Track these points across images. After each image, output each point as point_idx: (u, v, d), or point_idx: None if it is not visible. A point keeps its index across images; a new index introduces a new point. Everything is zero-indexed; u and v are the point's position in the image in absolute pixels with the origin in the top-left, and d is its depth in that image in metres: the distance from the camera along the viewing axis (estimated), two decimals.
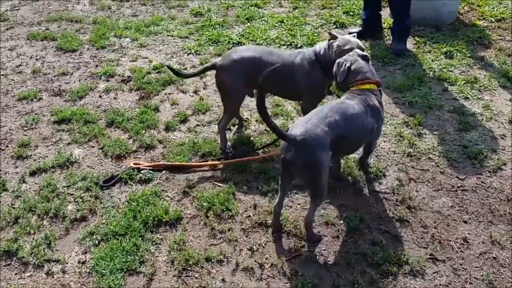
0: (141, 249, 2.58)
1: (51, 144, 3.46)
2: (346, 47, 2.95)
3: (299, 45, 4.72)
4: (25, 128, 3.64)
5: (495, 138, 3.48)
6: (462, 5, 5.42)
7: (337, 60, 2.86)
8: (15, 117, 3.77)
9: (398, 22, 4.60)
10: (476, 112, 3.77)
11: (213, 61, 3.28)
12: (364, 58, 2.85)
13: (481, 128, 3.58)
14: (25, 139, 3.48)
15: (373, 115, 2.71)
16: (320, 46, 3.10)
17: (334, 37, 3.05)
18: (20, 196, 2.98)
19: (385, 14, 5.01)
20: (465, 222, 2.81)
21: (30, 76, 4.33)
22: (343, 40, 3.02)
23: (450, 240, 2.69)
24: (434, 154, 3.33)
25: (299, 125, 2.51)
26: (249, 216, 2.82)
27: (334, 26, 5.13)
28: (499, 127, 3.60)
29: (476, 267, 2.54)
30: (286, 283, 2.44)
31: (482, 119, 3.68)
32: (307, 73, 3.07)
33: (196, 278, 2.46)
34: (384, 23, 5.00)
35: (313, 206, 2.60)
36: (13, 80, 4.26)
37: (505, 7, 5.46)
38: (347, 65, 2.79)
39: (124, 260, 2.51)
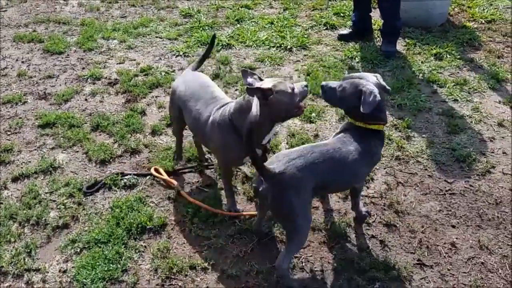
0: (124, 257, 2.53)
1: (35, 149, 3.40)
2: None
3: (289, 47, 4.68)
4: (9, 133, 3.57)
5: (484, 141, 3.46)
6: (453, 7, 5.41)
7: (363, 88, 2.36)
8: None
9: (388, 23, 4.58)
10: (465, 114, 3.75)
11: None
12: (386, 91, 2.49)
13: (470, 131, 3.56)
14: (8, 144, 3.42)
15: (368, 163, 2.49)
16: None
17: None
18: (1, 203, 2.92)
19: (375, 15, 4.98)
20: (453, 226, 2.78)
21: (15, 79, 4.27)
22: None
23: (438, 245, 2.66)
24: (423, 157, 3.30)
25: (282, 159, 2.27)
26: (235, 222, 2.78)
27: (324, 28, 5.10)
28: (488, 130, 3.58)
29: (464, 272, 2.51)
30: None
31: (471, 122, 3.66)
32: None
33: (180, 286, 2.41)
34: (374, 25, 4.97)
35: (286, 251, 2.33)
36: None
37: (495, 8, 5.45)
38: (378, 98, 2.34)
39: (106, 268, 2.46)
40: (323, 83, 2.56)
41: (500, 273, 2.51)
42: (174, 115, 3.02)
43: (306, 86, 2.53)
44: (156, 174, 3.05)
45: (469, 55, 4.57)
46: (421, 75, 4.26)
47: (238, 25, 5.18)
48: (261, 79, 2.53)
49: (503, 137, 3.50)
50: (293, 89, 2.44)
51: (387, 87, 2.50)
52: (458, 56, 4.53)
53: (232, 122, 2.52)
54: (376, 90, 2.36)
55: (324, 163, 2.30)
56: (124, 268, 2.48)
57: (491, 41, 4.84)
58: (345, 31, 4.89)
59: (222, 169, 2.83)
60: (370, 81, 2.43)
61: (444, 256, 2.60)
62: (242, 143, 2.29)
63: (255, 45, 4.77)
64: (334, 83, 2.53)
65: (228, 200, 2.83)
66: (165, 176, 3.02)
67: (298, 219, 2.27)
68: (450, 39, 4.81)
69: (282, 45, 4.74)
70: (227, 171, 2.80)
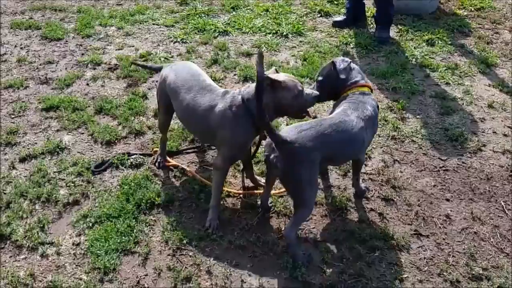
0: (135, 230, 2.63)
1: (40, 131, 3.46)
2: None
3: (284, 33, 4.79)
4: (13, 116, 3.63)
5: (475, 121, 3.62)
6: None
7: (334, 60, 2.75)
8: (1, 105, 3.75)
9: (381, 10, 4.70)
10: (457, 97, 3.90)
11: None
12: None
13: (462, 112, 3.71)
14: (13, 127, 3.47)
15: (370, 128, 2.60)
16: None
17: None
18: (11, 182, 2.99)
19: (369, 3, 5.10)
20: (447, 200, 2.93)
21: (16, 65, 4.31)
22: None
23: (433, 217, 2.80)
24: (417, 137, 3.44)
25: (294, 130, 2.40)
26: (240, 197, 2.89)
27: (319, 15, 5.21)
28: (478, 111, 3.73)
29: (458, 241, 2.66)
30: (278, 259, 2.51)
31: (463, 104, 3.81)
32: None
33: (191, 256, 2.52)
34: (368, 12, 5.09)
35: (294, 218, 2.46)
36: None
37: None
38: (348, 61, 2.71)
39: (119, 240, 2.56)
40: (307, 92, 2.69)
41: (492, 242, 2.66)
42: (163, 106, 2.93)
43: (316, 97, 2.64)
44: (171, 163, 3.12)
45: (459, 41, 4.73)
46: (414, 60, 4.40)
47: (234, 13, 5.26)
48: (277, 71, 2.71)
49: (493, 118, 3.66)
50: (300, 91, 2.55)
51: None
52: (449, 42, 4.67)
53: (247, 106, 2.51)
54: (346, 59, 2.73)
55: (333, 134, 2.42)
56: (136, 240, 2.58)
57: (480, 27, 5.00)
58: (339, 18, 5.01)
59: (222, 164, 2.64)
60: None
61: (440, 227, 2.75)
62: (255, 124, 2.50)
63: (252, 32, 4.87)
64: (310, 88, 2.74)
65: (211, 211, 2.67)
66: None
67: (306, 189, 2.40)
68: (441, 26, 4.95)
69: (278, 31, 4.84)
70: (225, 170, 2.67)
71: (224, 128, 2.57)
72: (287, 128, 2.47)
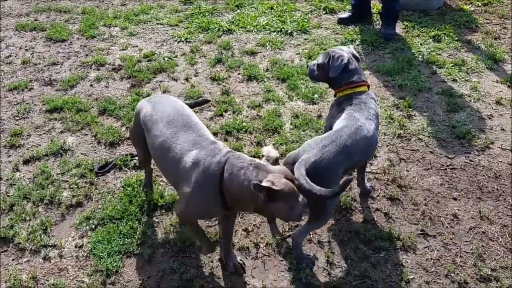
0: (138, 232, 2.61)
1: (44, 133, 3.46)
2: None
3: (289, 31, 4.75)
4: (17, 118, 3.63)
5: (482, 118, 3.55)
6: None
7: (331, 53, 2.64)
8: (6, 107, 3.76)
9: (387, 7, 4.64)
10: (464, 93, 3.83)
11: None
12: (356, 58, 2.70)
13: (469, 109, 3.65)
14: (17, 129, 3.47)
15: (377, 125, 2.57)
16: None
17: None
18: (14, 184, 2.99)
19: None
20: (455, 199, 2.87)
21: (20, 67, 4.31)
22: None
23: (440, 216, 2.75)
24: (424, 135, 3.39)
25: (316, 146, 2.30)
26: None
27: (324, 12, 5.16)
28: (486, 108, 3.67)
29: (466, 241, 2.61)
30: (281, 260, 2.49)
31: (470, 100, 3.75)
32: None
33: (194, 258, 2.50)
34: (373, 8, 5.03)
35: (308, 226, 2.41)
36: (3, 71, 4.24)
37: None
38: (344, 61, 2.60)
39: (121, 242, 2.55)
40: (309, 63, 2.78)
41: (501, 241, 2.61)
42: (137, 141, 2.58)
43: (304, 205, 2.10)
44: None
45: (466, 37, 4.65)
46: (420, 56, 4.34)
47: (238, 11, 5.23)
48: (277, 162, 2.15)
49: (501, 115, 3.59)
50: (297, 204, 2.04)
51: (357, 55, 2.72)
52: (456, 38, 4.60)
53: (222, 183, 2.08)
54: (345, 55, 2.61)
55: (354, 144, 2.36)
56: (139, 242, 2.57)
57: (488, 23, 4.91)
58: (344, 14, 4.95)
59: (185, 218, 2.32)
60: (343, 49, 2.69)
61: (447, 227, 2.70)
62: (221, 204, 2.11)
63: (256, 30, 4.83)
64: (314, 61, 2.76)
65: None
66: None
67: (329, 204, 2.35)
68: (448, 21, 4.88)
69: (283, 29, 4.80)
70: (190, 222, 2.35)
71: (186, 185, 2.16)
72: (307, 146, 2.34)
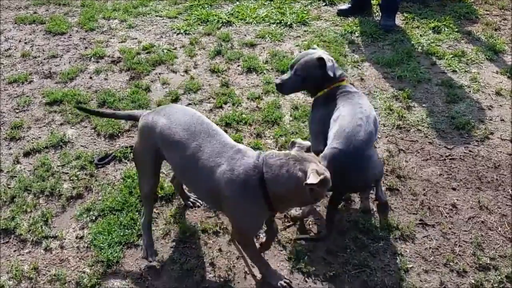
0: (138, 223, 2.62)
1: (44, 125, 3.47)
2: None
3: (288, 23, 4.73)
4: (17, 110, 3.64)
5: (482, 109, 3.55)
6: None
7: (324, 56, 2.60)
8: (6, 100, 3.76)
9: None
10: (463, 84, 3.83)
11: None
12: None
13: (469, 100, 3.65)
14: (18, 121, 3.48)
15: None
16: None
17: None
18: (15, 176, 3.00)
19: None
20: (454, 189, 2.88)
21: (20, 60, 4.31)
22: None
23: (439, 206, 2.76)
24: (423, 126, 3.39)
25: (347, 138, 2.34)
26: None
27: (324, 4, 5.14)
28: (486, 99, 3.67)
29: (465, 231, 2.62)
30: (281, 250, 2.50)
31: (470, 91, 3.75)
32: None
33: (194, 248, 2.51)
34: (373, 0, 5.01)
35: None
36: (3, 63, 4.24)
37: None
38: (333, 60, 2.64)
39: (122, 234, 2.56)
40: (275, 80, 2.70)
41: (500, 231, 2.62)
42: (151, 164, 2.30)
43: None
44: None
45: (466, 28, 4.64)
46: (420, 48, 4.33)
47: (237, 3, 5.21)
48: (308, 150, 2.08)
49: (501, 105, 3.59)
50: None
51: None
52: (456, 29, 4.59)
53: (264, 185, 2.01)
54: (330, 56, 2.65)
55: (373, 127, 2.45)
56: (139, 233, 2.58)
57: (488, 14, 4.90)
58: (344, 6, 4.94)
59: (243, 239, 2.26)
60: (316, 51, 2.67)
61: (446, 216, 2.71)
62: (267, 209, 2.05)
63: (255, 22, 4.82)
64: (283, 76, 2.70)
65: (270, 279, 2.32)
66: None
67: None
68: (448, 13, 4.86)
69: (282, 21, 4.79)
70: (250, 243, 2.26)
71: (234, 208, 2.11)
72: (341, 142, 2.35)
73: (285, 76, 2.69)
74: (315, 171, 1.92)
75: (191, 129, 2.15)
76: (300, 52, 4.26)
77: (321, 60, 2.58)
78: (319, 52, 2.67)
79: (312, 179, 1.88)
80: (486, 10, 4.96)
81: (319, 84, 2.64)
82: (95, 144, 3.27)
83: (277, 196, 2.01)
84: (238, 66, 4.12)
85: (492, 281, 2.36)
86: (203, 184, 2.14)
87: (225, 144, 2.12)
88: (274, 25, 4.75)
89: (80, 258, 2.49)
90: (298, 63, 2.64)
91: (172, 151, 2.18)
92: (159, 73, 4.06)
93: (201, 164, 2.08)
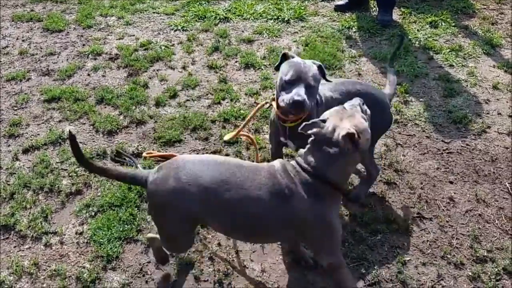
0: (137, 219, 2.64)
1: (42, 122, 3.47)
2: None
3: (286, 19, 4.74)
4: (16, 108, 3.64)
5: (479, 103, 3.57)
6: None
7: (321, 64, 2.41)
8: (4, 97, 3.76)
9: None
10: (461, 78, 3.84)
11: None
12: None
13: (466, 94, 3.66)
14: (16, 118, 3.48)
15: None
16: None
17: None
18: (14, 173, 3.01)
19: None
20: (451, 182, 2.90)
21: (18, 57, 4.31)
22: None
23: (436, 200, 2.78)
24: (420, 120, 3.40)
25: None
26: None
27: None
28: (483, 93, 3.68)
29: (462, 223, 2.64)
30: (280, 244, 2.51)
31: (467, 85, 3.76)
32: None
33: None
34: None
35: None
36: (0, 61, 4.24)
37: None
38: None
39: (121, 229, 2.57)
40: (295, 98, 2.24)
41: (497, 223, 2.64)
42: (185, 228, 2.06)
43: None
44: (154, 154, 2.95)
45: (463, 22, 4.65)
46: (417, 42, 4.34)
47: None
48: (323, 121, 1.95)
49: (498, 99, 3.61)
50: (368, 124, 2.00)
51: None
52: (453, 24, 4.60)
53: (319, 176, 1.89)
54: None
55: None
56: (138, 228, 2.59)
57: (485, 8, 4.91)
58: (341, 1, 4.94)
59: (337, 260, 2.07)
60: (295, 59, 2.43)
61: (443, 210, 2.73)
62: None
63: (253, 18, 4.82)
64: (298, 91, 2.26)
65: None
66: (161, 153, 2.97)
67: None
68: (445, 7, 4.87)
69: (280, 17, 4.79)
70: (343, 263, 2.11)
71: (309, 216, 1.91)
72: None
73: (300, 91, 2.26)
74: (348, 129, 1.85)
75: (223, 177, 1.91)
76: (298, 48, 4.27)
77: (320, 68, 2.38)
78: (306, 60, 2.41)
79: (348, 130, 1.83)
80: (483, 5, 4.97)
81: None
82: (94, 141, 3.28)
83: (339, 174, 1.90)
84: (236, 62, 4.12)
85: (489, 273, 2.38)
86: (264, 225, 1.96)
87: (256, 171, 1.95)
88: (272, 21, 4.75)
89: (80, 254, 2.51)
90: (307, 75, 2.29)
91: (213, 211, 1.95)
92: (157, 70, 4.06)
93: (252, 208, 1.90)
